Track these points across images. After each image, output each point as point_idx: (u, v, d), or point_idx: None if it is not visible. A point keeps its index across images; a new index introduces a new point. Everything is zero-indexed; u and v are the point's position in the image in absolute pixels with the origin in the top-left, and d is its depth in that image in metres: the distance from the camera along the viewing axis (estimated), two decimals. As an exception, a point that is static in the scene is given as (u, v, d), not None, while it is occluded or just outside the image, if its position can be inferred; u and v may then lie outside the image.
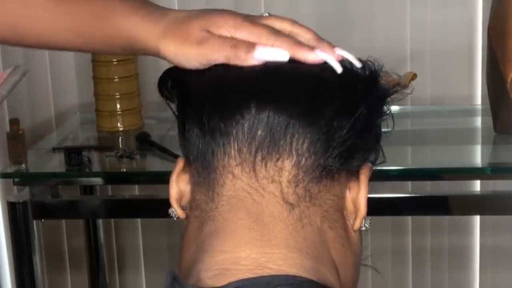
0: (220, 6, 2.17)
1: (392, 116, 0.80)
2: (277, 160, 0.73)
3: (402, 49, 2.21)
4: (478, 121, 2.12)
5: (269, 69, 0.75)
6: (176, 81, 0.79)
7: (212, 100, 0.75)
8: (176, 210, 0.78)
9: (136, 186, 2.23)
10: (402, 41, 2.21)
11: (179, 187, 0.78)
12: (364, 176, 0.77)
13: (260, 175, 0.73)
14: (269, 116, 0.73)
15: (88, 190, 2.16)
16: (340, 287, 0.75)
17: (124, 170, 1.84)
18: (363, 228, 0.78)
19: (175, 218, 0.79)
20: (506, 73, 1.75)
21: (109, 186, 2.25)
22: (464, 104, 2.21)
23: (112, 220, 2.40)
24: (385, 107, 0.79)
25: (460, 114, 2.14)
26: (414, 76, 1.87)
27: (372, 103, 0.76)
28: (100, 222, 2.23)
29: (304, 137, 0.73)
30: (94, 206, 1.90)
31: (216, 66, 0.77)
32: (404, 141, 1.98)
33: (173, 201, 0.78)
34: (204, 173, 0.75)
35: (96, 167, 1.85)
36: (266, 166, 0.73)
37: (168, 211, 0.79)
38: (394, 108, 2.07)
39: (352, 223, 0.77)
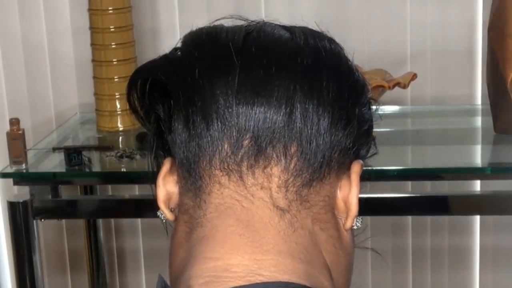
0: (220, 6, 2.19)
1: (369, 103, 0.78)
2: (265, 167, 0.72)
3: (402, 49, 2.20)
4: (478, 121, 2.12)
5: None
6: (158, 81, 0.75)
7: (197, 105, 0.73)
8: (165, 213, 0.76)
9: (136, 186, 2.22)
10: (402, 41, 2.20)
11: (166, 189, 0.76)
12: (355, 175, 0.75)
13: (249, 183, 0.72)
14: (255, 125, 0.71)
15: (88, 190, 2.15)
16: None
17: (124, 170, 1.84)
18: (355, 227, 0.76)
19: (163, 221, 0.78)
20: (506, 73, 1.75)
21: (109, 186, 2.25)
22: (464, 104, 2.20)
23: (112, 220, 2.39)
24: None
25: (460, 114, 2.14)
26: (414, 76, 1.86)
27: (354, 97, 0.75)
28: (100, 222, 2.22)
29: (291, 143, 0.72)
30: (94, 206, 1.90)
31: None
32: (404, 141, 1.98)
33: (161, 203, 0.76)
34: (190, 179, 0.74)
35: (96, 167, 1.85)
36: (254, 174, 0.72)
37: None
38: (394, 108, 2.10)
39: (343, 222, 0.76)
